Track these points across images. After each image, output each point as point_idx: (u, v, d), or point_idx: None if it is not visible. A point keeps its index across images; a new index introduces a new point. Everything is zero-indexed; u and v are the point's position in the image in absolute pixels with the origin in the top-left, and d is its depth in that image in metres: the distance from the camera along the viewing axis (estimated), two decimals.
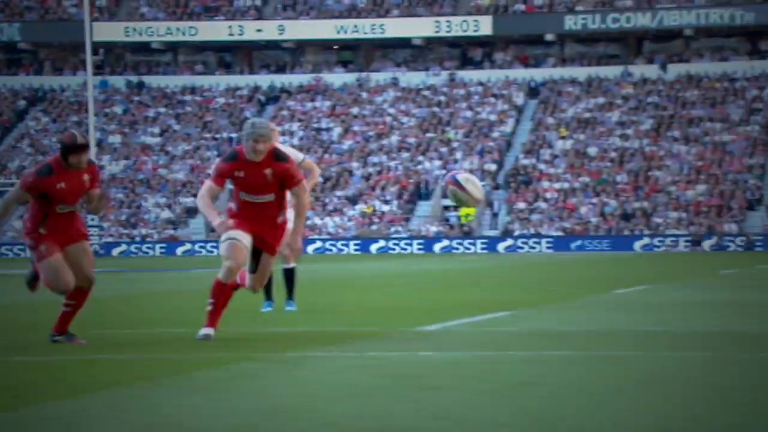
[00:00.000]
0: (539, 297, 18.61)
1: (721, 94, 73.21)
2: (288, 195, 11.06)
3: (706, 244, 62.82)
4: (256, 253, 10.97)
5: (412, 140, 73.64)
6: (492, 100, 76.05)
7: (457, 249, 65.43)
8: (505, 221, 67.77)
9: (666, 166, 68.69)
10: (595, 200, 67.27)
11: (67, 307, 10.68)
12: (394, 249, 65.85)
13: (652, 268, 33.91)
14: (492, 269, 35.26)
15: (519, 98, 75.78)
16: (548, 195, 68.32)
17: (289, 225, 11.26)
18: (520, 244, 64.71)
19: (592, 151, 70.62)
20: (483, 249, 65.13)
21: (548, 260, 46.60)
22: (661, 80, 74.81)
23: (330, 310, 15.33)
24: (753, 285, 23.30)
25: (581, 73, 76.34)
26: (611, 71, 75.92)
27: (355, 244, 66.35)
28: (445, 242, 66.17)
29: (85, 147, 10.61)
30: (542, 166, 70.16)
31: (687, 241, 63.57)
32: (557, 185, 68.64)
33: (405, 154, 72.71)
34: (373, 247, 65.86)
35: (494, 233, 67.30)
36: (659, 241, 63.56)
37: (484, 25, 77.09)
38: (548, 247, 63.93)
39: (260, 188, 10.86)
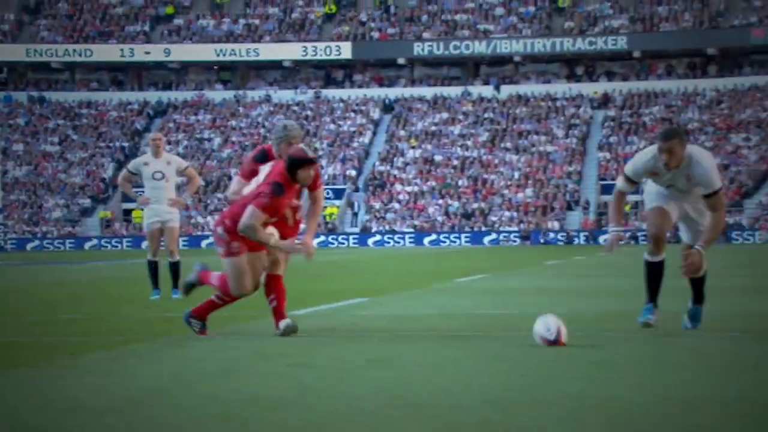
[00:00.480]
0: (393, 285, 18.63)
1: (545, 111, 74.30)
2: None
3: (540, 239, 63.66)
4: None
5: None
6: (352, 114, 76.14)
7: (324, 244, 65.34)
8: (364, 219, 67.90)
9: (500, 172, 69.48)
10: (440, 201, 67.79)
11: (219, 300, 9.37)
12: None
13: (489, 260, 34.22)
14: (353, 262, 35.26)
15: (375, 113, 76.01)
16: (401, 197, 68.63)
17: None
18: (387, 239, 64.88)
19: (438, 159, 71.15)
20: (354, 244, 65.10)
21: (404, 253, 46.76)
22: (495, 99, 75.69)
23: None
24: (572, 274, 23.63)
25: (428, 92, 76.94)
26: (453, 91, 76.62)
27: None
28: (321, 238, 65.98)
29: (314, 162, 9.20)
30: (395, 172, 70.48)
31: (517, 236, 64.39)
32: (408, 188, 69.00)
33: None
34: None
35: (355, 230, 67.40)
36: (503, 237, 64.28)
37: (345, 51, 77.32)
38: (410, 242, 64.25)
39: None
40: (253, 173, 9.64)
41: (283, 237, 9.27)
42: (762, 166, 67.31)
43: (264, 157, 9.58)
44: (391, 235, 65.16)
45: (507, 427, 4.78)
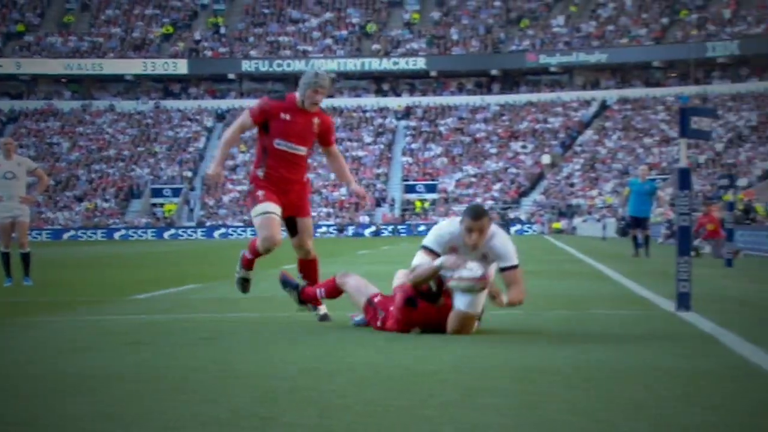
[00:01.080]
0: (225, 272, 18.44)
1: (357, 121, 74.79)
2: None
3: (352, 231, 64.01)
4: (290, 222, 8.30)
5: (126, 152, 71.90)
6: (188, 123, 75.11)
7: (159, 235, 64.24)
8: (200, 215, 67.08)
9: (318, 174, 69.64)
10: None
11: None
12: (113, 236, 64.13)
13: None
14: (191, 251, 34.77)
15: (209, 122, 75.15)
16: (231, 195, 68.04)
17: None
18: (230, 232, 64.26)
19: None
20: (202, 235, 64.20)
21: (234, 244, 46.36)
22: None
23: (59, 284, 14.68)
24: (382, 261, 23.88)
25: (255, 103, 76.60)
26: None
27: (82, 232, 64.36)
28: (153, 231, 64.89)
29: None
30: (227, 173, 69.83)
31: (334, 229, 64.59)
32: (239, 187, 68.45)
33: (121, 164, 70.91)
34: (98, 234, 64.07)
35: (191, 224, 66.51)
36: (321, 230, 64.38)
37: (181, 66, 76.34)
38: (252, 234, 63.82)
39: (302, 137, 7.93)
40: (265, 111, 7.94)
41: (296, 200, 8.09)
42: (536, 169, 69.26)
43: (284, 98, 8.01)
44: (234, 228, 64.59)
45: (318, 390, 4.78)
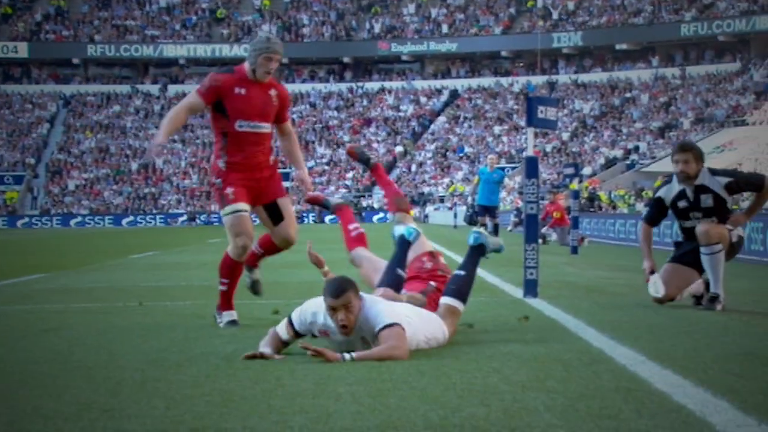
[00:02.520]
0: (70, 262, 17.97)
1: None
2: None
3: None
4: (271, 208, 7.30)
5: None
6: (30, 107, 72.86)
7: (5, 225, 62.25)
8: (43, 203, 65.22)
9: (169, 161, 68.58)
10: (115, 186, 66.11)
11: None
12: None
13: (160, 238, 33.72)
14: (36, 240, 33.78)
15: (53, 107, 73.08)
16: (77, 182, 66.40)
17: None
18: (88, 221, 62.63)
19: (113, 148, 69.32)
20: (57, 224, 62.30)
21: (84, 233, 45.23)
22: (163, 97, 74.55)
23: None
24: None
25: (102, 89, 74.84)
26: (123, 89, 74.90)
27: None
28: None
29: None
30: (72, 160, 68.12)
31: (185, 218, 63.77)
32: (85, 175, 66.87)
33: None
34: None
35: (35, 212, 64.62)
36: (172, 218, 63.47)
37: (21, 50, 73.90)
38: (110, 223, 62.35)
39: (263, 113, 6.99)
40: (215, 89, 6.97)
41: (267, 187, 7.22)
42: (389, 157, 69.83)
43: (233, 71, 7.03)
44: (92, 217, 63.03)
45: (166, 381, 4.72)
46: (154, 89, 75.05)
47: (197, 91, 7.02)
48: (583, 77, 68.65)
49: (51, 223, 62.54)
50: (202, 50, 75.11)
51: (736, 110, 56.02)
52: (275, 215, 7.33)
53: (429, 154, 69.23)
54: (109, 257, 19.77)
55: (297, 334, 5.74)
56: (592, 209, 39.50)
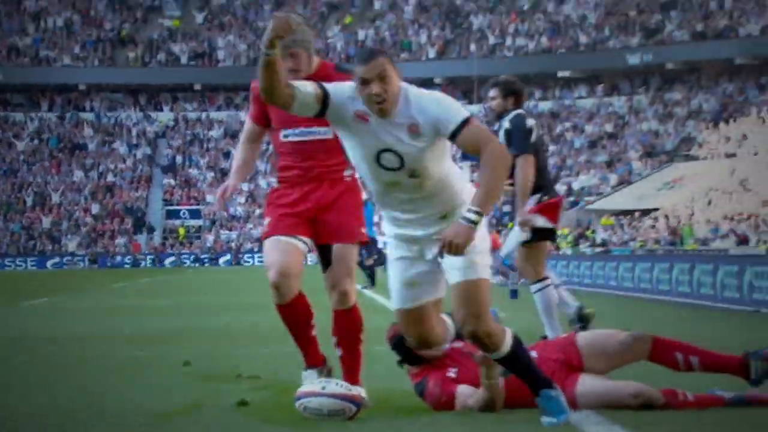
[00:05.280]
0: None
1: (113, 137, 73.42)
2: None
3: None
4: (323, 249, 5.93)
5: None
6: None
7: None
8: None
9: (65, 194, 67.92)
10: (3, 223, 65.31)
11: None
12: None
13: (54, 282, 33.36)
14: None
15: None
16: None
17: None
18: None
19: (2, 181, 68.49)
20: None
21: None
22: (62, 125, 73.92)
23: None
24: (140, 294, 23.58)
25: None
26: (17, 116, 74.14)
27: None
28: None
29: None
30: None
31: (85, 259, 63.15)
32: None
33: None
34: None
35: None
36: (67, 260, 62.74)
37: None
38: None
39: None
40: (256, 103, 5.98)
41: (329, 216, 5.89)
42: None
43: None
44: None
45: None
46: (52, 116, 74.43)
47: (249, 115, 6.21)
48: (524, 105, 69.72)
49: None
50: (109, 75, 74.72)
51: (686, 142, 57.26)
52: (325, 257, 5.97)
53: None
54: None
55: (324, 104, 4.95)
56: None
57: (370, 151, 4.94)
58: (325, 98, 4.90)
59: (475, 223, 4.79)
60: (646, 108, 64.18)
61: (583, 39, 68.28)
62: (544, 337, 8.20)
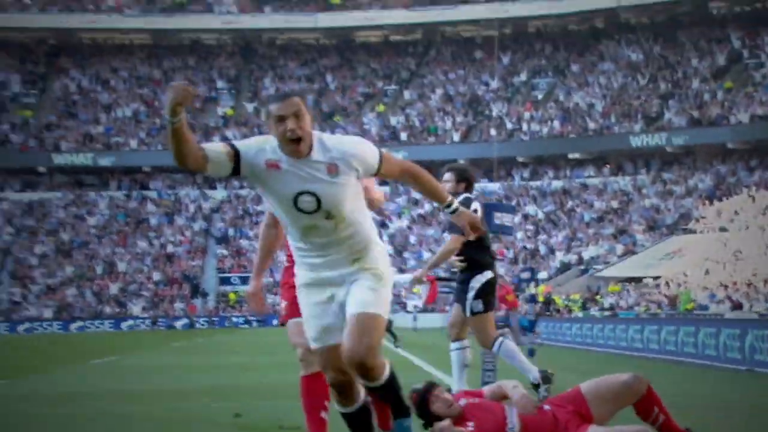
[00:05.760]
0: (33, 367, 17.76)
1: (173, 211, 73.75)
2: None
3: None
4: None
5: None
6: None
7: None
8: (5, 307, 64.38)
9: (130, 263, 68.17)
10: (78, 290, 65.59)
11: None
12: None
13: (120, 342, 33.36)
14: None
15: (18, 212, 72.84)
16: (40, 286, 65.74)
17: None
18: (36, 326, 61.65)
19: (76, 253, 68.91)
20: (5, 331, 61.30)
21: (46, 337, 44.61)
22: (128, 203, 74.45)
23: None
24: (196, 353, 23.52)
25: (66, 196, 74.77)
26: (89, 195, 74.72)
27: None
28: None
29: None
30: (35, 263, 67.53)
31: (149, 321, 63.19)
32: (50, 280, 66.25)
33: None
34: None
35: None
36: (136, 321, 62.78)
37: None
38: (58, 328, 61.33)
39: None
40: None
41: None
42: None
43: None
44: (39, 323, 62.11)
45: None
46: (120, 195, 75.04)
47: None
48: (537, 183, 69.67)
49: (13, 328, 61.70)
50: (167, 157, 75.39)
51: (684, 217, 56.96)
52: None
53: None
54: (67, 362, 19.59)
55: (236, 162, 4.50)
56: (548, 313, 39.75)
57: (287, 196, 4.52)
58: (236, 155, 4.48)
59: (457, 208, 5.07)
60: (648, 186, 64.01)
61: (591, 125, 68.41)
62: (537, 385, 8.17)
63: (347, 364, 4.66)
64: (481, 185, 71.59)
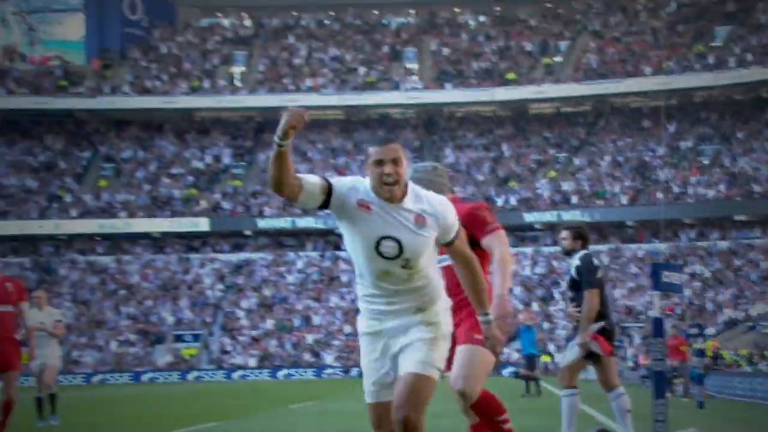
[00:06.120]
0: (237, 411, 18.18)
1: None
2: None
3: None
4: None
5: (149, 302, 71.66)
6: (204, 271, 75.29)
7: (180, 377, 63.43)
8: (216, 357, 66.40)
9: (323, 315, 69.27)
10: (277, 339, 67.04)
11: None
12: (140, 378, 63.35)
13: (316, 390, 33.76)
14: (209, 390, 34.25)
15: (227, 270, 75.35)
16: (245, 338, 67.55)
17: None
18: (248, 373, 63.32)
19: (276, 308, 70.60)
20: (223, 378, 63.34)
21: (248, 384, 45.69)
22: (323, 261, 75.95)
23: (86, 425, 14.44)
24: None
25: (268, 256, 77.00)
26: (289, 256, 76.63)
27: (110, 375, 63.67)
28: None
29: None
30: (241, 316, 69.54)
31: (341, 370, 63.89)
32: (254, 332, 67.96)
33: (146, 309, 70.58)
34: (125, 376, 63.29)
35: (212, 367, 65.75)
36: (330, 370, 63.65)
37: (203, 224, 76.71)
38: (268, 375, 62.90)
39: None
40: None
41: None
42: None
43: None
44: (249, 370, 63.84)
45: None
46: (315, 255, 76.77)
47: None
48: (704, 243, 67.20)
49: (218, 376, 63.54)
50: None
51: None
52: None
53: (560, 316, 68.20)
54: (269, 406, 19.94)
55: (328, 195, 4.32)
56: (716, 367, 38.05)
57: (371, 237, 4.31)
58: (329, 189, 4.31)
59: (491, 320, 4.64)
60: None
61: (756, 188, 65.70)
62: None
63: (393, 421, 4.42)
64: (649, 245, 69.61)
